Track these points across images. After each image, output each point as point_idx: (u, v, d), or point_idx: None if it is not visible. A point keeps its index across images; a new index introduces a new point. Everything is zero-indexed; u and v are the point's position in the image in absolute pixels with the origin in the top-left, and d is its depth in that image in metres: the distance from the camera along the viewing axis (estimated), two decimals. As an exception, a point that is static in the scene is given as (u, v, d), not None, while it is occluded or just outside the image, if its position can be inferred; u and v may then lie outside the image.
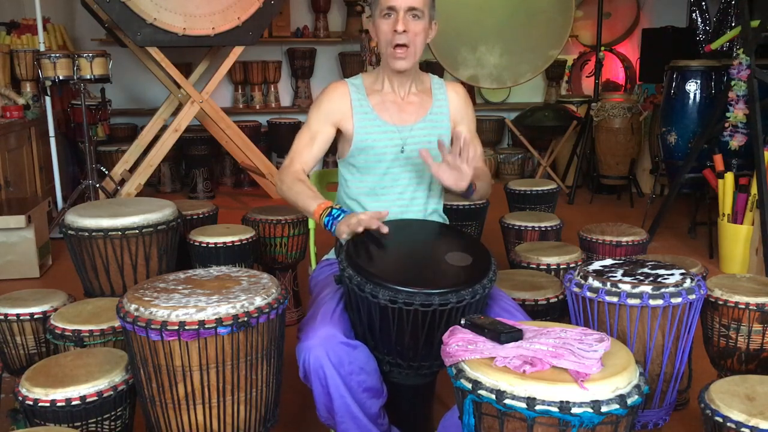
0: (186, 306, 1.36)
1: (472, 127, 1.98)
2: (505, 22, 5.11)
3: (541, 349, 1.20)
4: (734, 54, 3.63)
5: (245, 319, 1.37)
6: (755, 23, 3.39)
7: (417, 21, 1.78)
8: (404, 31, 1.76)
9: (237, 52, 4.64)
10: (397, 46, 1.78)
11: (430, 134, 1.89)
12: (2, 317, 1.97)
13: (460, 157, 1.68)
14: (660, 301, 1.57)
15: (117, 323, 1.75)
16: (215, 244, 2.48)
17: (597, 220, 2.93)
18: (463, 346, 1.25)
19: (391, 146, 1.87)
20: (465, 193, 1.78)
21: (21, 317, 1.96)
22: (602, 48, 5.52)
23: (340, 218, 1.68)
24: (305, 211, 1.79)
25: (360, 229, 1.62)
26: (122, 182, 4.75)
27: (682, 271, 1.68)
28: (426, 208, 1.93)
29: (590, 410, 1.10)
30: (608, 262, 1.78)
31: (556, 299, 2.02)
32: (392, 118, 1.88)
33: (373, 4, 1.84)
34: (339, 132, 1.91)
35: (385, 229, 1.63)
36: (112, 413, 1.54)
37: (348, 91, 1.89)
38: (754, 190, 3.34)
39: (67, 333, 1.75)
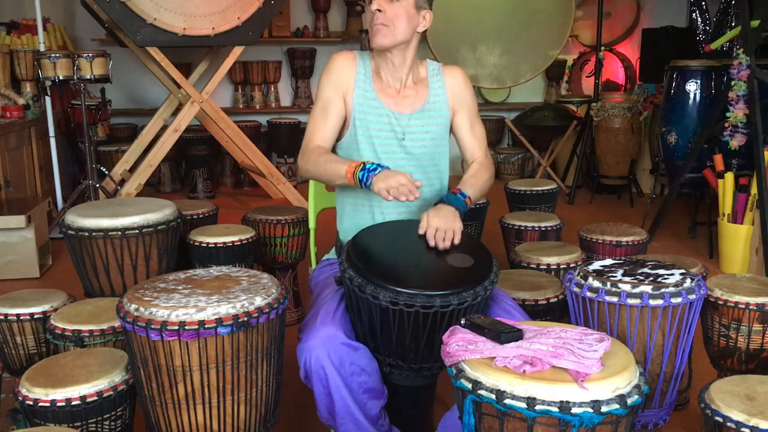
0: (186, 306, 1.36)
1: (472, 111, 1.94)
2: (505, 22, 5.11)
3: (541, 349, 1.20)
4: (734, 54, 3.63)
5: (245, 319, 1.37)
6: (755, 23, 3.39)
7: (394, 3, 1.76)
8: (379, 11, 1.75)
9: (237, 52, 4.64)
10: (377, 25, 1.77)
11: (428, 124, 1.86)
12: (2, 317, 1.97)
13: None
14: (660, 301, 1.57)
15: (117, 323, 1.75)
16: (215, 244, 2.48)
17: (597, 220, 2.93)
18: (463, 346, 1.25)
19: (387, 131, 1.83)
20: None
21: (21, 317, 1.96)
22: (602, 48, 5.53)
23: (377, 171, 1.64)
24: (335, 176, 1.72)
25: (399, 197, 1.60)
26: (122, 182, 4.75)
27: (682, 271, 1.68)
28: (427, 197, 1.89)
29: (590, 410, 1.10)
30: (608, 262, 1.78)
31: (556, 299, 2.02)
32: (389, 103, 1.85)
33: None
34: None
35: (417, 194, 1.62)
36: (112, 413, 1.54)
37: (355, 63, 1.86)
38: (754, 190, 3.34)
39: (67, 333, 1.75)
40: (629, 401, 1.13)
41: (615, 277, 1.64)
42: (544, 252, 2.38)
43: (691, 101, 4.12)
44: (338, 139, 1.89)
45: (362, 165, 1.67)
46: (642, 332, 1.61)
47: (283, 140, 5.76)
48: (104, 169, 4.71)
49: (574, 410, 1.09)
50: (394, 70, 1.86)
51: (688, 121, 4.12)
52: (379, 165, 1.67)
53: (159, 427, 1.45)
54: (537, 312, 1.98)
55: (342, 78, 1.84)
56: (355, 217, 1.89)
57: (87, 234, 2.13)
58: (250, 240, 2.54)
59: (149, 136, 5.01)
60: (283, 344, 1.55)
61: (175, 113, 4.88)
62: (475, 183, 1.84)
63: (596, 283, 1.63)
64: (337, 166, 1.71)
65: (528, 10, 5.11)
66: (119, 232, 2.13)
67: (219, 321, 1.35)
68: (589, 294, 1.63)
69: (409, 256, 1.65)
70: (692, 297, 1.60)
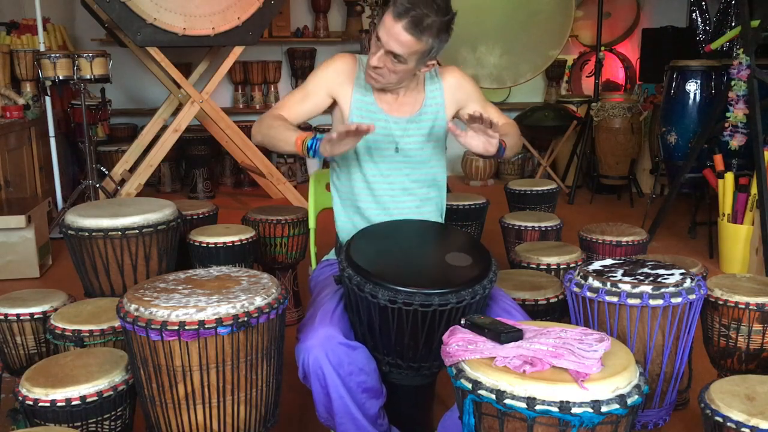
0: (186, 306, 1.36)
1: (480, 98, 1.93)
2: (505, 22, 5.11)
3: (541, 349, 1.20)
4: (734, 54, 3.63)
5: (245, 319, 1.37)
6: (755, 23, 3.39)
7: (396, 64, 1.72)
8: (377, 67, 1.73)
9: (237, 52, 4.64)
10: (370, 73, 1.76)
11: (424, 128, 1.87)
12: (2, 317, 1.97)
13: (483, 126, 1.65)
14: (660, 301, 1.57)
15: (117, 323, 1.75)
16: (215, 244, 2.48)
17: (597, 220, 2.93)
18: (463, 346, 1.25)
19: (383, 134, 1.83)
20: (497, 155, 1.74)
21: (21, 317, 1.97)
22: (602, 48, 5.52)
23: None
24: (284, 143, 1.72)
25: (334, 136, 1.59)
26: (122, 182, 4.75)
27: (682, 271, 1.68)
28: (422, 198, 1.89)
29: (590, 410, 1.10)
30: (608, 262, 1.78)
31: (556, 299, 2.02)
32: (387, 108, 1.85)
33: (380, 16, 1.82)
34: (334, 106, 1.88)
35: (363, 127, 1.59)
36: (112, 413, 1.54)
37: (355, 69, 1.87)
38: (754, 190, 3.34)
39: (67, 333, 1.75)
40: (629, 401, 1.13)
41: (615, 277, 1.64)
42: (544, 252, 2.38)
43: (691, 101, 4.12)
44: None
45: (313, 135, 1.68)
46: (642, 332, 1.61)
47: (283, 140, 5.75)
48: (104, 169, 4.71)
49: (574, 410, 1.09)
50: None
51: (688, 121, 4.12)
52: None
53: (159, 427, 1.45)
54: (537, 312, 1.98)
55: (335, 81, 1.85)
56: (353, 218, 1.89)
57: (87, 234, 2.13)
58: (250, 240, 2.54)
59: (149, 136, 5.01)
60: (283, 344, 1.55)
61: (175, 113, 4.88)
62: (507, 132, 1.83)
63: (596, 283, 1.63)
64: (287, 134, 1.72)
65: (528, 10, 5.11)
66: (119, 232, 2.13)
67: (219, 321, 1.35)
68: (589, 294, 1.63)
69: (408, 255, 1.65)
70: (692, 297, 1.60)
